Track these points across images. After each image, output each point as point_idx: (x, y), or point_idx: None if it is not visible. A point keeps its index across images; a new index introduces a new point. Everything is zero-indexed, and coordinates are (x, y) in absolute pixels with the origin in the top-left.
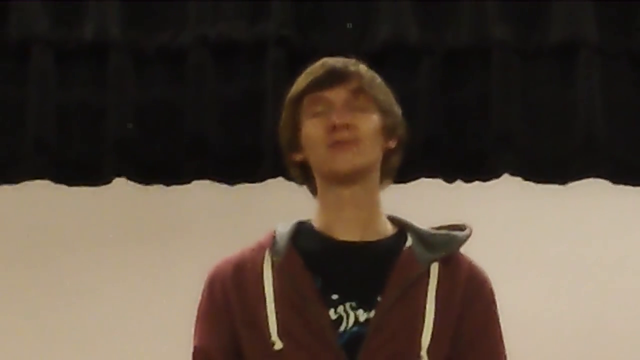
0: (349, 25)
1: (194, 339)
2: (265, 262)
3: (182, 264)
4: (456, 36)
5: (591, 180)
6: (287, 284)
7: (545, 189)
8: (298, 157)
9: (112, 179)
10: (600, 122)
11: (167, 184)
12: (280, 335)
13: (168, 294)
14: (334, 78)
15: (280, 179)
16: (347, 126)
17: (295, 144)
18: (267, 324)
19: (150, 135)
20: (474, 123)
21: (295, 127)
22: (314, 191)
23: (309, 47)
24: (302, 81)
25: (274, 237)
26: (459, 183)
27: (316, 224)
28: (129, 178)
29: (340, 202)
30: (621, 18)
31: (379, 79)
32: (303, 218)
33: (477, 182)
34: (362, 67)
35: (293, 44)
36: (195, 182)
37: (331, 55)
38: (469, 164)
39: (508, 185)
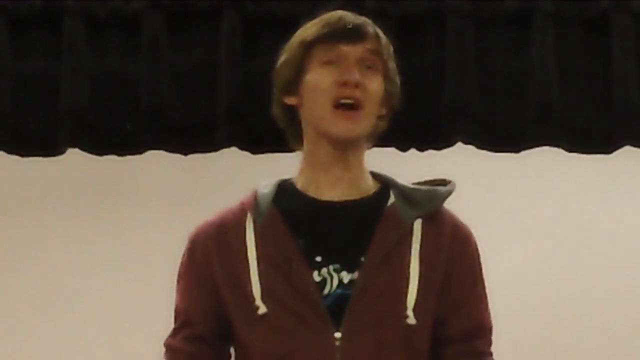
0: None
1: (175, 300)
2: (248, 223)
3: (135, 234)
4: (411, 2)
5: (545, 148)
6: (270, 246)
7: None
8: (291, 101)
9: (66, 149)
10: (555, 88)
11: (121, 155)
12: (264, 298)
13: (122, 263)
14: (353, 33)
15: (234, 148)
16: (357, 84)
17: (294, 87)
18: (251, 287)
19: (104, 104)
20: (429, 90)
21: (299, 71)
22: (295, 139)
23: (264, 13)
24: (316, 28)
25: (255, 197)
26: (411, 151)
27: (298, 182)
28: (82, 149)
29: (328, 161)
30: None
31: (391, 45)
32: (285, 177)
33: (430, 151)
34: (379, 30)
35: (247, 9)
36: (148, 152)
37: (287, 21)
38: (424, 132)
39: (461, 154)
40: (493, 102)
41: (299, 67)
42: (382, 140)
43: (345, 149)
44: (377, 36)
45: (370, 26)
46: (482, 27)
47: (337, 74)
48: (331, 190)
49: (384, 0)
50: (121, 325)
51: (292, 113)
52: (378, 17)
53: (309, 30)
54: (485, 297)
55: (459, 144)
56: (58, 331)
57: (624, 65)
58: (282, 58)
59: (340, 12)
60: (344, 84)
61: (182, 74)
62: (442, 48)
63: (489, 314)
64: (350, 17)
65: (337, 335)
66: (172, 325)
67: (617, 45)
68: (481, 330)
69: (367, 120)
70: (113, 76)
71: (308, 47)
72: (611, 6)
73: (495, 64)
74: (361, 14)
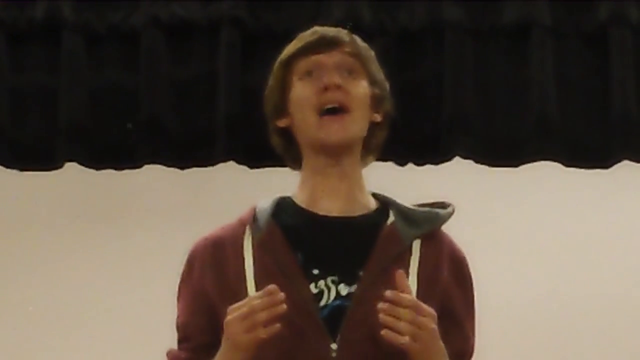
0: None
1: (177, 315)
2: (246, 237)
3: (133, 248)
4: (409, 17)
5: (543, 163)
6: (267, 260)
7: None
8: (283, 123)
9: (64, 163)
10: (553, 102)
11: (119, 169)
12: None
13: (120, 276)
14: (327, 43)
15: (231, 162)
16: (338, 87)
17: (282, 108)
18: None
19: (103, 118)
20: (427, 104)
21: (284, 91)
22: (294, 161)
23: (263, 28)
24: (292, 46)
25: (254, 213)
26: (409, 166)
27: (297, 198)
28: (80, 162)
29: (325, 170)
30: None
31: (370, 50)
32: (284, 194)
33: (428, 165)
34: (355, 36)
35: (246, 24)
36: (146, 166)
37: (285, 36)
38: (422, 146)
39: (459, 168)
40: (491, 116)
41: (283, 87)
42: (381, 154)
43: (339, 154)
44: (352, 41)
45: (346, 34)
46: (480, 41)
47: (317, 82)
48: (329, 201)
49: (382, 15)
50: (120, 338)
51: (288, 136)
52: (376, 32)
53: (287, 50)
54: (474, 322)
55: (457, 159)
56: (55, 344)
57: (623, 79)
58: (268, 84)
59: (315, 27)
60: (325, 89)
61: (181, 88)
62: (440, 62)
63: (475, 339)
64: (324, 29)
65: (334, 346)
66: (171, 338)
67: (615, 59)
68: (467, 354)
69: (356, 123)
70: (112, 90)
71: (287, 65)
72: (610, 20)
73: (494, 78)
74: (359, 29)
